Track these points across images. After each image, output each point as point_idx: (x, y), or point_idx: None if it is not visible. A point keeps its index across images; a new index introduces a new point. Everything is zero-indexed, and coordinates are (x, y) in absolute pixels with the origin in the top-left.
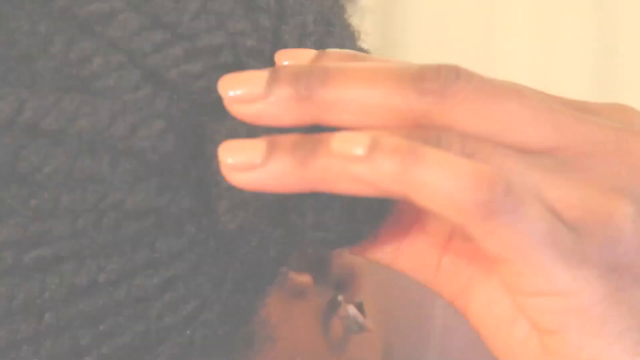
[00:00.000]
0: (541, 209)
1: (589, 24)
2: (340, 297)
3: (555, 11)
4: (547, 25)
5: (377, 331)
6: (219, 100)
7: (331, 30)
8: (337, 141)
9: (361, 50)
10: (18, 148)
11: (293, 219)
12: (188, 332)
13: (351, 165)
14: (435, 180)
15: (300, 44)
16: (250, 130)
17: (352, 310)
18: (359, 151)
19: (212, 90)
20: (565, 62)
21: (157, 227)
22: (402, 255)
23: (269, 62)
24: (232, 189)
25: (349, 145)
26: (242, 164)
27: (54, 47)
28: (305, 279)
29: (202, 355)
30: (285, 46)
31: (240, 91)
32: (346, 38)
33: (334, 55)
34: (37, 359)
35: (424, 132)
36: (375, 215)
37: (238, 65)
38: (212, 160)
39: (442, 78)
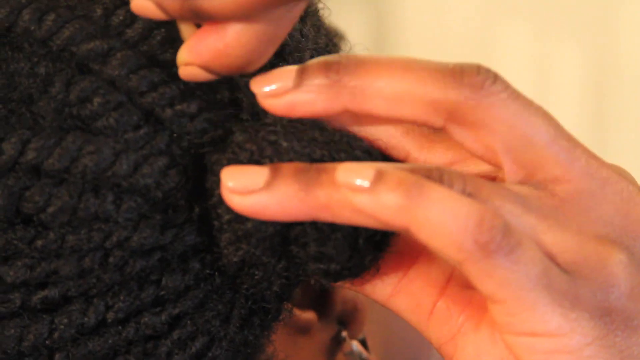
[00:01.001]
0: (536, 251)
1: (584, 47)
2: (344, 333)
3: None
4: (543, 48)
5: None
6: (216, 137)
7: (333, 41)
8: (342, 171)
9: None
10: (22, 189)
11: (295, 250)
12: None
13: (355, 196)
14: (437, 217)
15: (301, 59)
16: (252, 160)
17: (356, 346)
18: (364, 183)
19: (208, 130)
20: (558, 85)
21: (162, 264)
22: (399, 294)
23: None
24: (233, 222)
25: (353, 176)
26: (243, 187)
27: (54, 88)
28: (309, 315)
29: None
30: (285, 59)
31: (273, 86)
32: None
33: (315, 68)
34: None
35: (426, 169)
36: (377, 247)
37: (234, 102)
38: (213, 192)
39: (482, 76)
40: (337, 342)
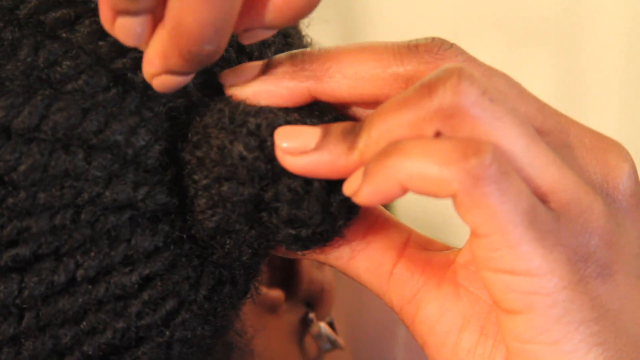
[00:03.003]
0: (524, 187)
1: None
2: (311, 315)
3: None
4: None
5: (347, 348)
6: (190, 103)
7: (289, 41)
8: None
9: None
10: None
11: (265, 217)
12: (167, 332)
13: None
14: (421, 163)
15: (261, 54)
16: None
17: (324, 328)
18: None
19: (179, 94)
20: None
21: (132, 223)
22: (358, 257)
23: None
24: (209, 188)
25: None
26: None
27: (22, 51)
28: (277, 293)
29: None
30: (249, 55)
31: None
32: (303, 47)
33: (281, 59)
34: None
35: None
36: (348, 212)
37: (204, 71)
38: (189, 159)
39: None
40: (305, 324)
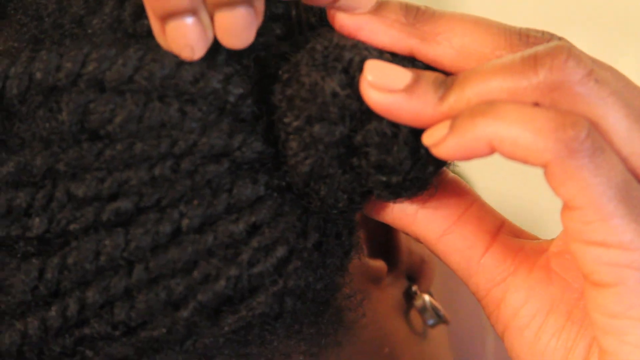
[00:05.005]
0: (619, 163)
1: None
2: (414, 288)
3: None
4: None
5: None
6: (280, 52)
7: None
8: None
9: None
10: (86, 102)
11: (356, 162)
12: (280, 281)
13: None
14: (518, 125)
15: None
16: (327, 57)
17: (429, 300)
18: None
19: (271, 44)
20: None
21: (232, 172)
22: (453, 233)
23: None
24: (300, 129)
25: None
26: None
27: (107, 6)
28: (379, 264)
29: (294, 322)
30: None
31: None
32: None
33: (395, 7)
34: (133, 314)
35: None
36: (437, 160)
37: (287, 17)
38: (280, 98)
39: (546, 37)
40: (409, 298)
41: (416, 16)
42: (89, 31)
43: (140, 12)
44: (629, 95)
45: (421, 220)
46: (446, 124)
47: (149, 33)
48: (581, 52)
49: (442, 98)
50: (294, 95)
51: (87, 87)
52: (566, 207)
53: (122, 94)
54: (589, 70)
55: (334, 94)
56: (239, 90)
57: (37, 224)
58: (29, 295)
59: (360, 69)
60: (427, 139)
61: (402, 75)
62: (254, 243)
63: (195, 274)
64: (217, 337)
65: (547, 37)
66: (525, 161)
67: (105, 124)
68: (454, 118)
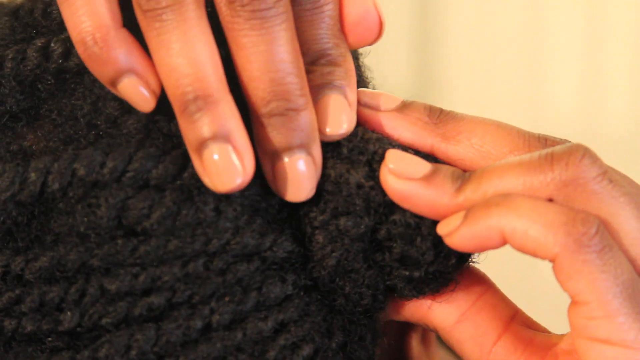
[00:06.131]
0: (626, 262)
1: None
2: None
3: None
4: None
5: None
6: None
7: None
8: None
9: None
10: (125, 199)
11: (380, 258)
12: None
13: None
14: (530, 218)
15: None
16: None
17: None
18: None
19: None
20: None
21: (262, 272)
22: (466, 321)
23: None
24: (326, 223)
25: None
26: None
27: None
28: None
29: None
30: None
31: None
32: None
33: (419, 106)
34: None
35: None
36: (459, 254)
37: None
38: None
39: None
40: None
41: (439, 116)
42: (124, 131)
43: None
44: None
45: (436, 308)
46: (461, 215)
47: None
48: (597, 155)
49: (458, 189)
50: (320, 189)
51: (129, 184)
52: (573, 304)
53: (161, 192)
54: (604, 170)
55: (359, 186)
56: (272, 197)
57: (69, 318)
58: None
59: (382, 161)
60: (441, 229)
61: (421, 165)
62: (281, 341)
63: None
64: None
65: (565, 141)
66: (534, 253)
67: (141, 220)
68: (469, 209)
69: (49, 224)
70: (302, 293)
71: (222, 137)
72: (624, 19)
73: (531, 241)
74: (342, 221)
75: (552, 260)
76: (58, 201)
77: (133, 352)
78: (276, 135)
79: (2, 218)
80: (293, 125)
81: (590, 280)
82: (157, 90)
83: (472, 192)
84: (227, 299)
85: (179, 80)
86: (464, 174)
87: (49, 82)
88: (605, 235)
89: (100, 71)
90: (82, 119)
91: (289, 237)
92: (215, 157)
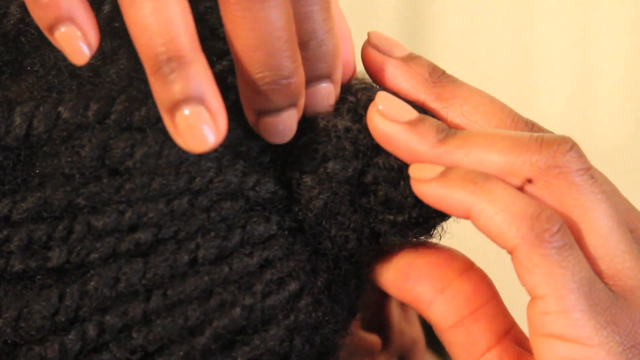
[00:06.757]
0: (584, 261)
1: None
2: None
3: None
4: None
5: None
6: None
7: None
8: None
9: None
10: (107, 139)
11: (365, 202)
12: (292, 315)
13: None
14: (499, 202)
15: None
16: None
17: None
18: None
19: None
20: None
21: (246, 210)
22: (461, 327)
23: None
24: (315, 168)
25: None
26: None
27: (123, 57)
28: (374, 338)
29: None
30: None
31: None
32: None
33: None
34: (150, 339)
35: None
36: None
37: None
38: (293, 148)
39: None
40: None
41: (440, 77)
42: (107, 80)
43: None
44: (617, 200)
45: (437, 307)
46: (437, 168)
47: None
48: (583, 152)
49: (441, 141)
50: (309, 142)
51: (112, 126)
52: (530, 301)
53: (142, 132)
54: (588, 166)
55: (348, 130)
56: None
57: (57, 254)
58: (48, 320)
59: (367, 107)
60: (413, 171)
61: (409, 111)
62: (267, 275)
63: (212, 301)
64: None
65: (551, 132)
66: (495, 239)
67: (125, 159)
68: (448, 168)
69: (34, 167)
70: (286, 233)
71: (195, 99)
72: (616, 20)
73: (494, 227)
74: (331, 164)
75: (510, 252)
76: (43, 144)
77: (121, 285)
78: (263, 99)
79: None
80: (283, 91)
81: (547, 274)
82: (95, 45)
83: (455, 148)
84: (212, 234)
85: (151, 40)
86: (449, 129)
87: (32, 35)
88: (567, 234)
89: (39, 14)
90: (65, 70)
91: (272, 179)
92: (189, 119)
